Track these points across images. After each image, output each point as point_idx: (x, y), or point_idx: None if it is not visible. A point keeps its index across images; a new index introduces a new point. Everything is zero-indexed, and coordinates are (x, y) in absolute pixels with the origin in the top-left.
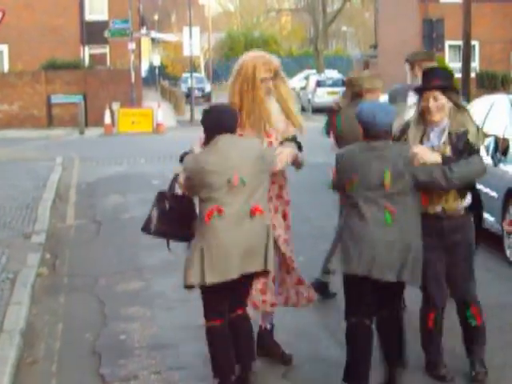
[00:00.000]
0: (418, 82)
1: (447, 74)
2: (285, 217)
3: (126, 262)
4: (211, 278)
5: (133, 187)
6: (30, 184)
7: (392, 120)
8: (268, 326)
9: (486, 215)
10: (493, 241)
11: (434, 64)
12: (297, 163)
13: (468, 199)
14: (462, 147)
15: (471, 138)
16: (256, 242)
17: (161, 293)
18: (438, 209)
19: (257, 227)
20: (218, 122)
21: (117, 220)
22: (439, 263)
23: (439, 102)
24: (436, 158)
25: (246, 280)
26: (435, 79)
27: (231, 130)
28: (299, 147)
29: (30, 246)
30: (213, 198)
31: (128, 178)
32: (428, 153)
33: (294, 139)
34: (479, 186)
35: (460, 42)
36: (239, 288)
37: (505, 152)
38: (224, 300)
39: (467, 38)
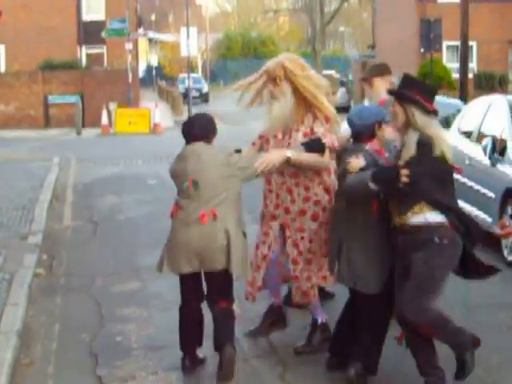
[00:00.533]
0: (371, 98)
1: (418, 84)
2: (314, 218)
3: (123, 263)
4: (166, 270)
5: (129, 188)
6: (26, 184)
7: (368, 122)
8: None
9: (483, 216)
10: (490, 241)
11: (387, 79)
12: (304, 166)
13: (426, 216)
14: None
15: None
16: (207, 244)
17: (157, 293)
18: (394, 222)
19: (209, 230)
20: (188, 132)
21: (113, 221)
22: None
23: (392, 109)
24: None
25: (213, 278)
26: (399, 86)
27: (201, 138)
28: (322, 149)
29: (26, 246)
30: (176, 199)
31: (125, 179)
32: (356, 163)
33: (307, 143)
34: (477, 187)
35: (458, 43)
36: (212, 283)
37: (502, 152)
38: (196, 292)
39: (465, 39)
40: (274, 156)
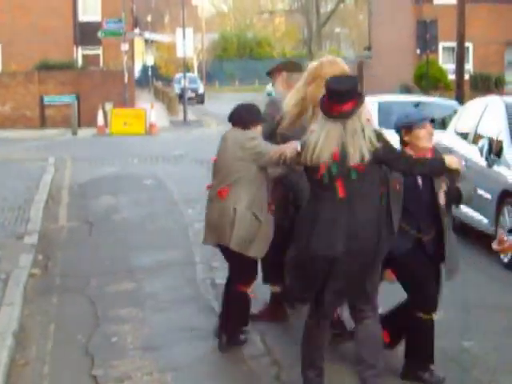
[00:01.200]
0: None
1: (326, 87)
2: None
3: (118, 263)
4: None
5: (125, 188)
6: (22, 185)
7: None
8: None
9: (479, 217)
10: (487, 242)
11: (295, 75)
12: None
13: None
14: None
15: None
16: (220, 221)
17: (153, 294)
18: None
19: (222, 207)
20: (228, 118)
21: (109, 221)
22: None
23: None
24: None
25: (232, 256)
26: None
27: (237, 124)
28: None
29: (22, 246)
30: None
31: (120, 179)
32: None
33: None
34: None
35: (454, 44)
36: (230, 263)
37: (498, 154)
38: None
39: (461, 40)
40: (287, 148)
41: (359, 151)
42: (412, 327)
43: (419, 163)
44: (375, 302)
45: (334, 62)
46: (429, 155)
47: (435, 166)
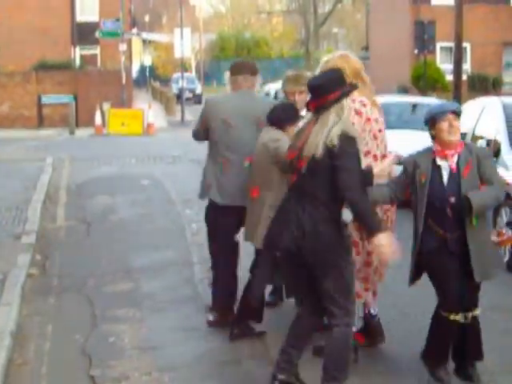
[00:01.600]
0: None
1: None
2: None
3: (116, 263)
4: None
5: (123, 188)
6: (20, 185)
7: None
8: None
9: None
10: None
11: (240, 77)
12: None
13: None
14: None
15: None
16: (252, 220)
17: (150, 294)
18: None
19: (252, 207)
20: (267, 116)
21: (106, 221)
22: None
23: None
24: None
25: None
26: None
27: (273, 124)
28: None
29: (20, 246)
30: None
31: (118, 179)
32: None
33: None
34: None
35: (452, 44)
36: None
37: (496, 155)
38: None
39: (459, 40)
40: None
41: (315, 145)
42: (433, 323)
43: (360, 195)
44: (349, 307)
45: (342, 56)
46: (458, 150)
47: (367, 216)
